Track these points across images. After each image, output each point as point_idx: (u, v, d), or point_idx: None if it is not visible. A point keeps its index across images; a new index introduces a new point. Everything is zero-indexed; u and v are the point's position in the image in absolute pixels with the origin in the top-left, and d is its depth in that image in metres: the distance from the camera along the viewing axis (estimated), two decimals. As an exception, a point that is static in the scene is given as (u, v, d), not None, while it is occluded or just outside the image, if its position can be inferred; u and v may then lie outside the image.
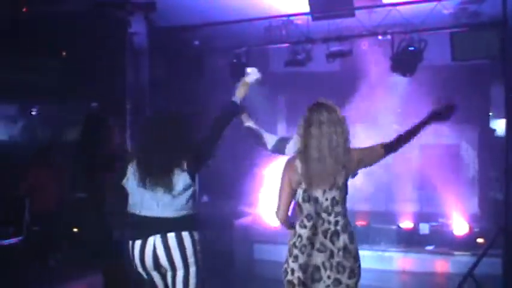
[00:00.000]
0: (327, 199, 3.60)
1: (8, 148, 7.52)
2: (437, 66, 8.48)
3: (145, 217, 3.85)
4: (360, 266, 3.66)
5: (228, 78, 8.59)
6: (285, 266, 3.71)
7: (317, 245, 3.60)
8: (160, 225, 3.80)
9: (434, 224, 9.24)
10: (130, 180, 3.90)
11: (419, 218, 9.30)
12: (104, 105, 8.33)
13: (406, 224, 9.28)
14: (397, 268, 8.52)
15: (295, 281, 3.63)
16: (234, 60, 8.42)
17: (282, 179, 3.72)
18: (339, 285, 3.58)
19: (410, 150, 9.82)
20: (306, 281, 3.61)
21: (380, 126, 9.50)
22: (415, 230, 9.14)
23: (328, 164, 3.58)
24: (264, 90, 9.77)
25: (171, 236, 3.78)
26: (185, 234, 3.80)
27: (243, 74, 8.48)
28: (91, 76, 7.73)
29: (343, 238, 3.60)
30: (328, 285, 3.59)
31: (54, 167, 7.54)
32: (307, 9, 7.43)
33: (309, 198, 3.62)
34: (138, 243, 3.86)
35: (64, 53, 7.96)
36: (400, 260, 8.59)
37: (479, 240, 8.34)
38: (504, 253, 6.70)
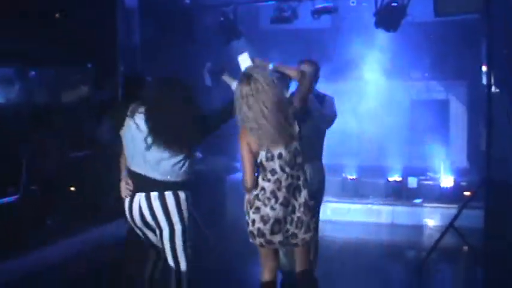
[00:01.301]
0: (289, 152, 3.73)
1: (5, 111, 7.66)
2: (423, 22, 8.58)
3: (134, 173, 3.95)
4: (315, 221, 3.90)
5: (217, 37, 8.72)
6: (246, 217, 3.85)
7: (280, 199, 3.73)
8: (146, 184, 3.88)
9: (422, 178, 9.42)
10: (127, 132, 3.94)
11: (408, 172, 9.46)
12: (97, 66, 8.47)
13: (395, 178, 9.46)
14: (385, 221, 8.73)
15: (255, 232, 3.78)
16: (222, 18, 8.51)
17: (242, 147, 3.81)
18: (295, 239, 3.78)
19: (401, 106, 10.00)
20: (265, 231, 3.74)
21: (366, 82, 9.71)
22: (403, 184, 9.32)
23: (273, 128, 3.66)
24: (253, 48, 9.87)
25: (154, 195, 3.87)
26: (168, 194, 3.87)
27: (231, 32, 8.58)
28: (83, 38, 7.80)
29: (304, 194, 3.78)
30: (287, 237, 3.77)
31: (52, 128, 7.72)
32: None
33: (272, 156, 3.73)
34: (127, 198, 4.00)
35: (56, 15, 7.98)
36: (388, 213, 8.79)
37: (466, 193, 8.46)
38: (485, 204, 6.80)
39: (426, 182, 9.32)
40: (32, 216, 7.11)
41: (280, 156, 3.72)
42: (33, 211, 7.14)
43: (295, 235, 3.77)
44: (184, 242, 3.96)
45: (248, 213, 3.83)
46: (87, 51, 7.91)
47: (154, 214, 3.89)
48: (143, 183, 3.90)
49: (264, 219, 3.73)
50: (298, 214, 3.75)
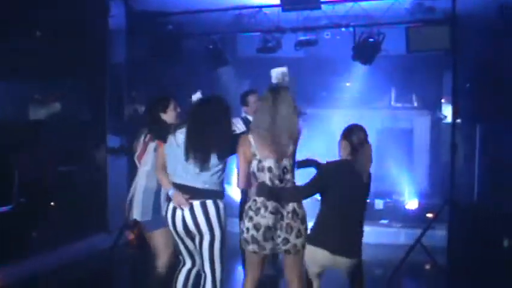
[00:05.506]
0: (278, 168, 4.15)
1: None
2: (394, 56, 8.95)
3: (177, 184, 4.32)
4: (306, 228, 4.21)
5: (199, 60, 9.12)
6: (242, 226, 4.25)
7: (269, 208, 4.12)
8: (188, 193, 4.26)
9: (388, 200, 9.87)
10: (169, 148, 4.37)
11: (375, 194, 9.72)
12: (84, 84, 8.72)
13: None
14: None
15: (249, 239, 4.16)
16: (211, 46, 8.89)
17: (239, 154, 4.26)
18: (286, 244, 4.13)
19: (369, 134, 10.50)
20: (259, 238, 4.12)
21: (340, 110, 10.18)
22: (370, 205, 9.51)
23: (281, 138, 4.13)
24: (230, 74, 10.27)
25: (196, 204, 4.25)
26: (209, 202, 4.26)
27: (218, 58, 8.95)
28: (73, 54, 8.00)
29: (292, 203, 4.15)
30: (278, 244, 4.14)
31: (41, 143, 7.93)
32: (277, 1, 7.95)
33: (263, 168, 4.16)
34: (171, 206, 4.37)
35: (38, 33, 8.13)
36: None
37: (429, 214, 8.91)
38: (449, 225, 7.38)
39: (391, 204, 9.79)
40: (20, 228, 7.27)
41: (270, 170, 4.15)
42: (22, 223, 7.31)
43: (286, 240, 4.13)
44: (221, 248, 4.33)
45: (244, 222, 4.22)
46: (77, 67, 8.15)
47: (197, 221, 4.26)
48: (186, 193, 4.28)
49: (256, 227, 4.11)
50: (286, 221, 4.12)
